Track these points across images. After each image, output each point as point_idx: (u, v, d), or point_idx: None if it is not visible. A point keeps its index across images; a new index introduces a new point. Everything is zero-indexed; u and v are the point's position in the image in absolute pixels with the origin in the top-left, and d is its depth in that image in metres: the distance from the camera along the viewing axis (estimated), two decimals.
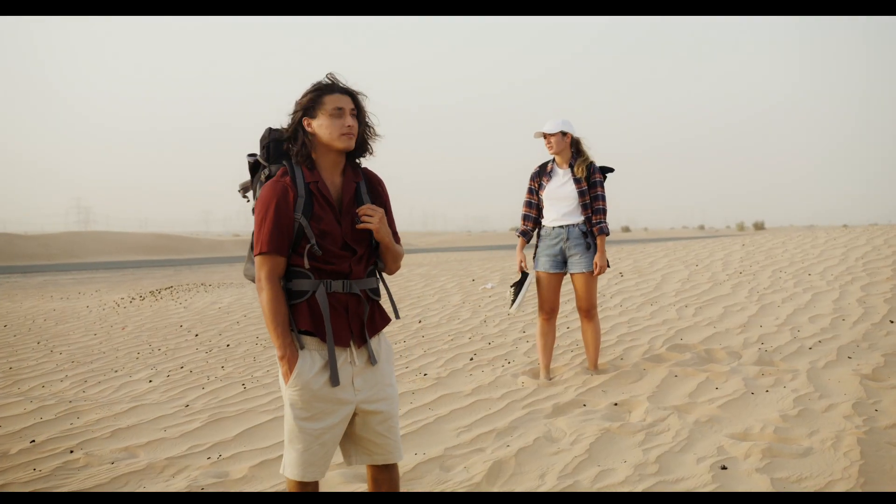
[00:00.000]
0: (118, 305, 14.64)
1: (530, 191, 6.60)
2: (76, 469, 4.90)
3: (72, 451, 5.24)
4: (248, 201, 3.29)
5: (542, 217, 6.55)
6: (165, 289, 17.57)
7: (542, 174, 6.57)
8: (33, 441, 5.52)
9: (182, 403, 6.59)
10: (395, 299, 11.89)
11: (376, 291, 3.21)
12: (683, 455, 4.56)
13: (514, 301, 6.51)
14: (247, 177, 3.32)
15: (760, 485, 4.03)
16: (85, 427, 5.91)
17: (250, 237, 3.17)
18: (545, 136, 6.44)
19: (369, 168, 3.27)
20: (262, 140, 3.22)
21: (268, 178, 3.17)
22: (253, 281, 3.22)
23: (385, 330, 9.44)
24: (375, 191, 3.22)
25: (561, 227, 6.43)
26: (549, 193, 6.48)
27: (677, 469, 4.36)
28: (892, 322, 7.62)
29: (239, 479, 4.60)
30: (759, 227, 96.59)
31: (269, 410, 6.04)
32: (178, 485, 4.51)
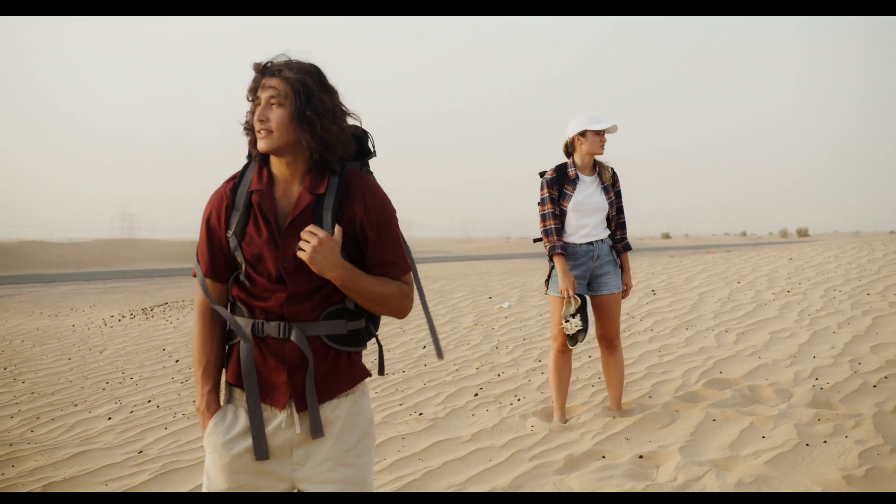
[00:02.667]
0: (105, 324, 14.10)
1: (552, 200, 5.66)
2: None
3: None
4: None
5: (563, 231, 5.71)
6: (159, 306, 17.04)
7: (563, 181, 5.70)
8: None
9: (136, 448, 5.94)
10: (403, 320, 11.24)
11: (345, 339, 2.44)
12: None
13: (582, 331, 5.53)
14: None
15: None
16: (16, 478, 5.29)
17: None
18: (604, 133, 5.65)
19: (366, 174, 2.53)
20: None
21: None
22: None
23: (385, 357, 8.75)
24: (352, 208, 2.42)
25: (590, 243, 5.67)
26: (578, 204, 5.64)
27: None
28: None
29: None
30: (802, 233, 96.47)
31: None
32: None
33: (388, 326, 10.83)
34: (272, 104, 2.36)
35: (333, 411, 2.42)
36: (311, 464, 2.39)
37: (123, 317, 15.27)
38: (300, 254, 2.30)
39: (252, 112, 2.43)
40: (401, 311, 2.49)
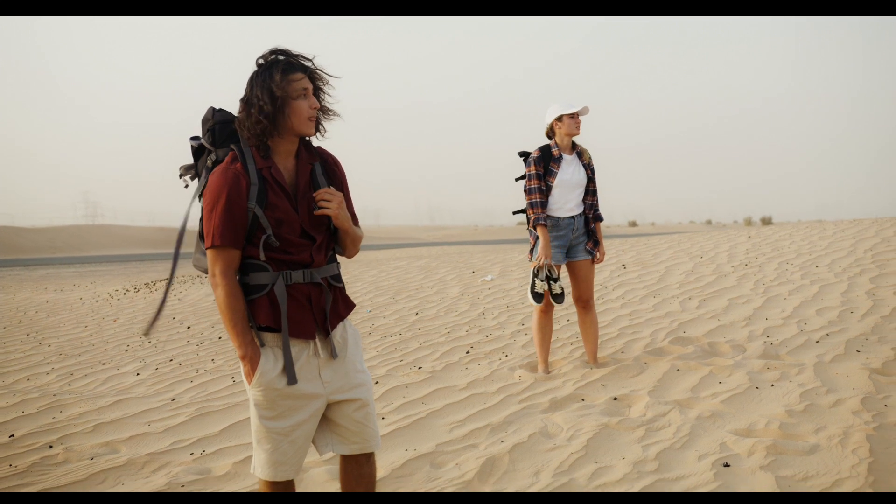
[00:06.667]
0: (111, 297, 14.51)
1: (538, 176, 6.14)
2: (53, 465, 4.76)
3: (51, 447, 5.11)
4: (186, 186, 3.09)
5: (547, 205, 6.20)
6: (161, 280, 17.43)
7: (548, 159, 6.17)
8: (12, 436, 5.39)
9: (168, 397, 6.45)
10: (394, 291, 11.76)
11: (338, 278, 3.04)
12: (684, 452, 4.41)
13: (560, 295, 6.14)
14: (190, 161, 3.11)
15: (764, 483, 3.88)
16: (67, 421, 5.78)
17: (198, 225, 2.96)
18: (577, 115, 6.15)
19: (324, 148, 3.07)
20: (205, 122, 3.00)
21: (215, 163, 2.94)
22: (205, 273, 3.05)
23: (381, 322, 9.33)
24: (332, 172, 3.02)
25: (572, 217, 6.21)
26: (563, 181, 6.14)
27: (678, 466, 4.20)
28: None
29: (221, 475, 4.46)
30: (766, 221, 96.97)
31: None
32: (157, 482, 4.37)
33: (382, 297, 11.38)
34: (313, 94, 2.87)
35: (339, 335, 3.00)
36: (336, 380, 2.95)
37: (128, 291, 15.68)
38: (326, 210, 2.86)
39: (263, 103, 2.78)
40: (357, 251, 3.13)
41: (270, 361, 2.86)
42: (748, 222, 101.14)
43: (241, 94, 2.87)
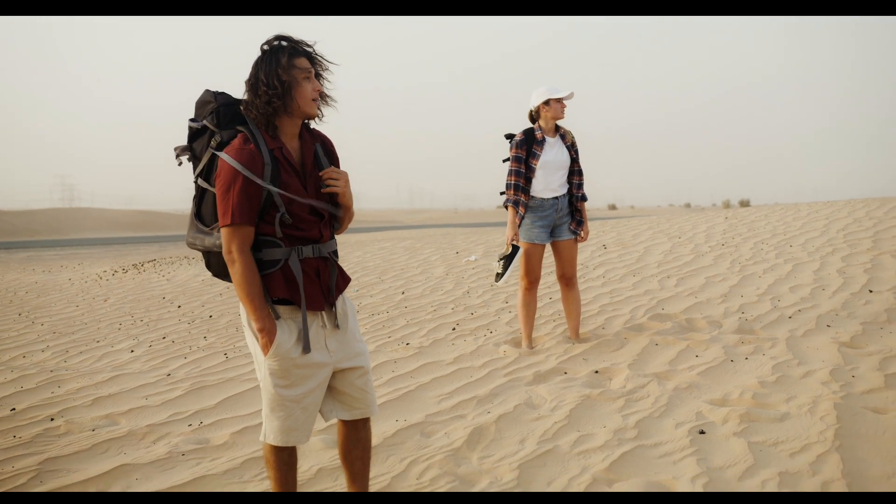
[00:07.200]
0: (100, 278, 14.57)
1: (519, 159, 6.27)
2: (56, 436, 4.89)
3: (52, 419, 5.24)
4: (180, 164, 3.20)
5: (530, 187, 6.33)
6: (148, 262, 17.50)
7: (531, 142, 6.30)
8: (13, 409, 5.51)
9: (164, 373, 6.58)
10: (379, 271, 11.91)
11: (337, 253, 3.22)
12: (662, 420, 4.60)
13: (501, 274, 6.27)
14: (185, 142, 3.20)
15: (737, 448, 4.07)
16: (66, 395, 5.90)
17: (193, 205, 3.12)
18: (562, 99, 6.29)
19: (320, 130, 3.22)
20: (204, 104, 3.11)
21: (220, 144, 3.05)
22: (201, 251, 3.18)
23: (368, 301, 9.49)
24: (330, 153, 3.20)
25: (555, 198, 6.35)
26: (546, 162, 6.27)
27: (656, 434, 4.39)
28: (871, 291, 7.68)
29: (220, 445, 4.61)
30: (744, 204, 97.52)
31: (251, 379, 6.04)
32: (158, 451, 4.51)
33: (368, 276, 11.52)
34: (317, 78, 3.03)
35: (340, 307, 3.18)
36: (340, 349, 3.13)
37: (116, 272, 15.74)
38: (335, 188, 3.05)
39: (272, 86, 2.92)
40: (347, 227, 3.30)
41: (286, 333, 3.01)
42: (727, 205, 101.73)
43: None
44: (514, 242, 6.27)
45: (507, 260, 6.26)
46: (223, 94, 3.12)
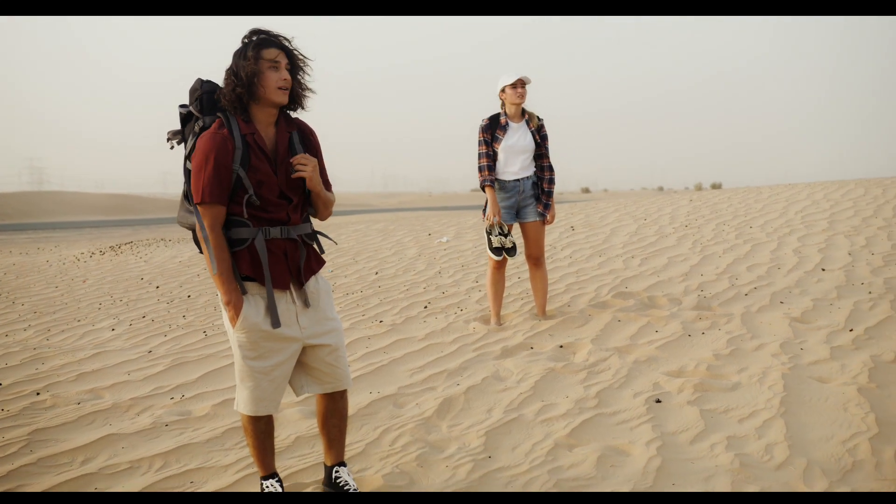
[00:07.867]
0: (78, 260, 14.60)
1: (486, 142, 6.50)
2: (43, 409, 5.03)
3: (38, 394, 5.37)
4: (172, 148, 3.37)
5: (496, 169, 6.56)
6: (126, 243, 17.52)
7: (494, 127, 6.53)
8: (0, 384, 5.63)
9: (145, 349, 6.72)
10: (353, 252, 12.06)
11: (311, 236, 3.37)
12: (621, 391, 4.82)
13: (509, 250, 6.49)
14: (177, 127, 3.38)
15: (690, 415, 4.30)
16: (50, 371, 6.03)
17: (183, 186, 3.27)
18: (521, 83, 6.50)
19: (302, 120, 3.37)
20: (193, 91, 3.26)
21: (202, 129, 3.22)
22: (188, 228, 3.35)
23: (343, 281, 9.65)
24: (308, 141, 3.34)
25: (518, 180, 6.54)
26: (508, 146, 6.48)
27: (615, 403, 4.62)
28: (823, 270, 7.96)
29: (202, 416, 4.77)
30: (716, 187, 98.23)
31: (230, 355, 6.20)
32: (143, 422, 4.67)
33: (342, 258, 11.68)
34: (287, 69, 3.18)
35: (312, 286, 3.34)
36: (311, 326, 3.29)
37: (93, 254, 15.76)
38: (302, 173, 3.19)
39: (237, 74, 3.10)
40: (330, 214, 3.48)
41: (252, 307, 3.18)
42: (698, 188, 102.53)
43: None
44: (494, 224, 6.46)
45: (503, 234, 6.49)
46: (209, 82, 3.27)
